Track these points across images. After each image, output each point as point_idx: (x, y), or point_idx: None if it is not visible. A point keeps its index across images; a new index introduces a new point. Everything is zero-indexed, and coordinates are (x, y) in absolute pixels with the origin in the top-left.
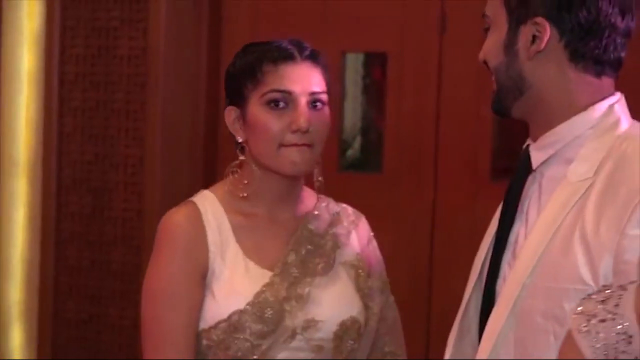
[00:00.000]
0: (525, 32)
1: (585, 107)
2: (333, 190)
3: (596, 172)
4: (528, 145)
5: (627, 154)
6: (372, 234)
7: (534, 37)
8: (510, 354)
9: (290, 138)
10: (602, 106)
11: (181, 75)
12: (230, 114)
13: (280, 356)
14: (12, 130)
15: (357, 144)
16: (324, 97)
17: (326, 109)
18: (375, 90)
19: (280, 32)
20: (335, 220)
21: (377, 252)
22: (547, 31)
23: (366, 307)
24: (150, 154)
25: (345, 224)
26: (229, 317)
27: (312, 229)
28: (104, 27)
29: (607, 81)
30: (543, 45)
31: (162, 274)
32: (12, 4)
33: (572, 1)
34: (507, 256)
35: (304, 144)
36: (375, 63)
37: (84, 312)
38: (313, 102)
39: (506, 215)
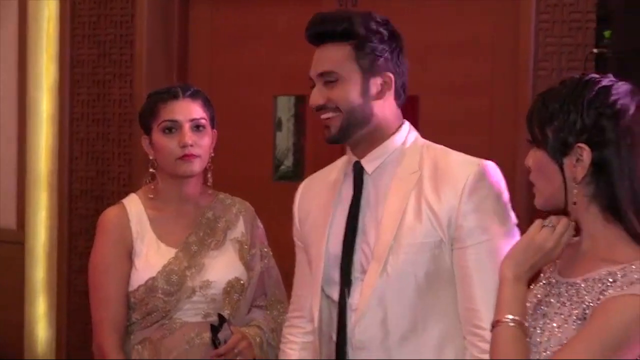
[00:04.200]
0: (376, 82)
1: (396, 129)
2: (269, 195)
3: (420, 168)
4: (357, 161)
5: (438, 154)
6: (257, 217)
7: (382, 85)
8: (383, 297)
9: (180, 152)
10: (405, 126)
11: None
12: (145, 141)
13: (185, 308)
14: (36, 155)
15: (287, 161)
16: (204, 121)
17: (207, 130)
18: (299, 122)
19: (230, 81)
20: (226, 209)
21: (260, 231)
22: (393, 81)
23: (249, 269)
24: (136, 171)
25: (234, 211)
26: (146, 282)
27: (210, 217)
28: (101, 80)
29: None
30: (392, 90)
31: (99, 254)
32: (33, 64)
33: (401, 63)
34: (360, 237)
35: (191, 154)
36: (298, 103)
37: None
38: (195, 126)
39: (353, 210)
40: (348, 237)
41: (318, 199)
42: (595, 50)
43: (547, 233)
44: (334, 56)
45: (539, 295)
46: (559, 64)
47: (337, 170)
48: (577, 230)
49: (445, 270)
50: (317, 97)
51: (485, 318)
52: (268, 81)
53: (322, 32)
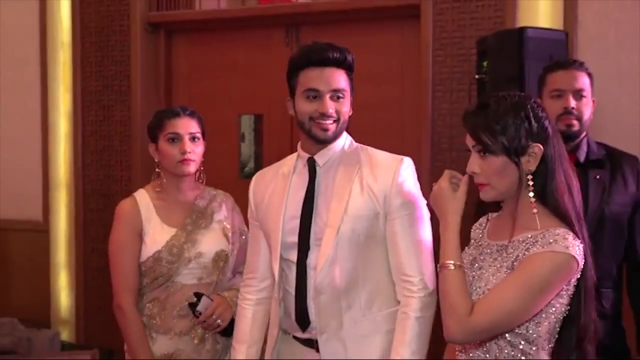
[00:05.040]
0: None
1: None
2: (236, 190)
3: (358, 162)
4: (311, 157)
5: (370, 152)
6: (236, 204)
7: (351, 104)
8: (336, 256)
9: (181, 157)
10: (345, 133)
11: None
12: (151, 147)
13: (184, 273)
14: (57, 164)
15: (249, 164)
16: (198, 135)
17: (200, 141)
18: (258, 135)
19: (205, 104)
20: (212, 198)
21: (239, 215)
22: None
23: (231, 243)
24: (134, 175)
25: (218, 200)
26: (153, 254)
27: (200, 205)
28: (106, 106)
29: None
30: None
31: (117, 235)
32: (53, 95)
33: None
34: (315, 212)
35: (188, 159)
36: (257, 120)
37: (101, 263)
38: (192, 138)
39: (309, 193)
40: (306, 213)
41: (272, 186)
42: (477, 77)
43: (437, 183)
44: (342, 78)
45: (473, 254)
46: (451, 87)
47: (287, 165)
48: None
49: (378, 235)
50: (332, 106)
51: (409, 268)
52: (233, 104)
53: (334, 59)
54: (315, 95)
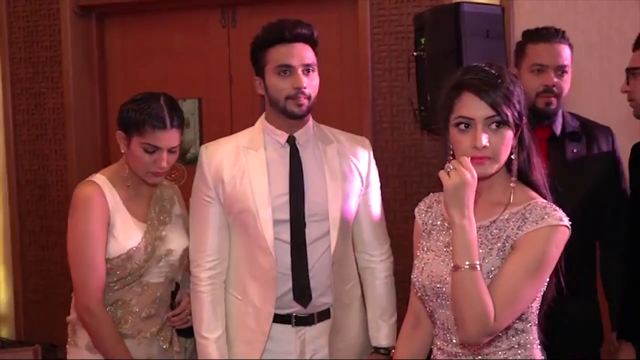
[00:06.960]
0: None
1: None
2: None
3: (332, 141)
4: (291, 135)
5: (334, 131)
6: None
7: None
8: (342, 229)
9: (154, 169)
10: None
11: (84, 118)
12: (120, 136)
13: (153, 271)
14: None
15: (192, 149)
16: (177, 147)
17: (177, 154)
18: (200, 120)
19: (142, 89)
20: (165, 189)
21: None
22: None
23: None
24: (70, 164)
25: (171, 192)
26: (128, 251)
27: (158, 194)
28: (39, 92)
29: None
30: None
31: (82, 227)
32: None
33: None
34: (307, 189)
35: (161, 173)
36: (199, 105)
37: (40, 256)
38: (170, 150)
39: (295, 170)
40: (296, 190)
41: (239, 162)
42: (415, 54)
43: (456, 172)
44: (311, 53)
45: (447, 239)
46: (390, 65)
47: (249, 140)
48: None
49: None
50: (305, 81)
51: (382, 236)
52: (171, 88)
53: (303, 35)
54: (287, 70)
